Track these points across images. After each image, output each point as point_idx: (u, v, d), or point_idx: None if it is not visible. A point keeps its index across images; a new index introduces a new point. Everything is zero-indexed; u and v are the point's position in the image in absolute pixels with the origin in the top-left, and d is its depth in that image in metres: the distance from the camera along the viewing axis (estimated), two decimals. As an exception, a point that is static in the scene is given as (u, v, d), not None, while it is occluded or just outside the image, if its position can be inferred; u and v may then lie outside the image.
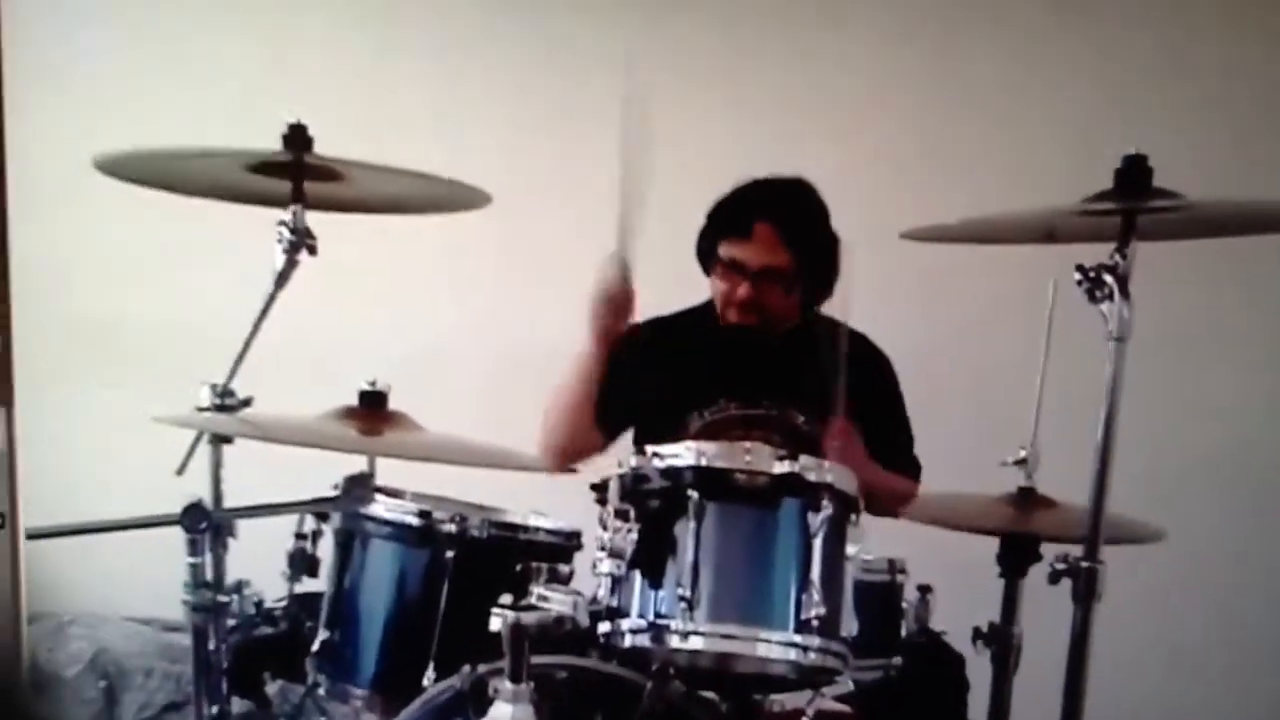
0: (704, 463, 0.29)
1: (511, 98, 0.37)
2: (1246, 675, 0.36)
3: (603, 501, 0.30)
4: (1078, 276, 0.29)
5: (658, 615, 0.31)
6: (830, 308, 0.30)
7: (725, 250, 0.30)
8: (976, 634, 0.30)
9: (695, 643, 0.30)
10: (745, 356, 0.30)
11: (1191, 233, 0.28)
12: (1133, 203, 0.27)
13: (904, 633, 0.31)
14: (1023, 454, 0.29)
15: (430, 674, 0.31)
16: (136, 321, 0.29)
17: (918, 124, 0.33)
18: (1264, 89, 0.35)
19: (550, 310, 0.31)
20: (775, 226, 0.30)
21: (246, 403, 0.30)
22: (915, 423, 0.31)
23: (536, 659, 0.30)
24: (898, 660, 0.31)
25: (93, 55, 0.34)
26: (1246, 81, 0.34)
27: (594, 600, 0.31)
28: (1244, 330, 0.35)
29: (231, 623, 0.31)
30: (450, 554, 0.31)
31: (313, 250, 0.30)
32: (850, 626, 0.31)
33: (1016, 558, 0.30)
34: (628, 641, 0.30)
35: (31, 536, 0.29)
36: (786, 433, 0.30)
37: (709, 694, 0.31)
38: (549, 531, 0.32)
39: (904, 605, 0.31)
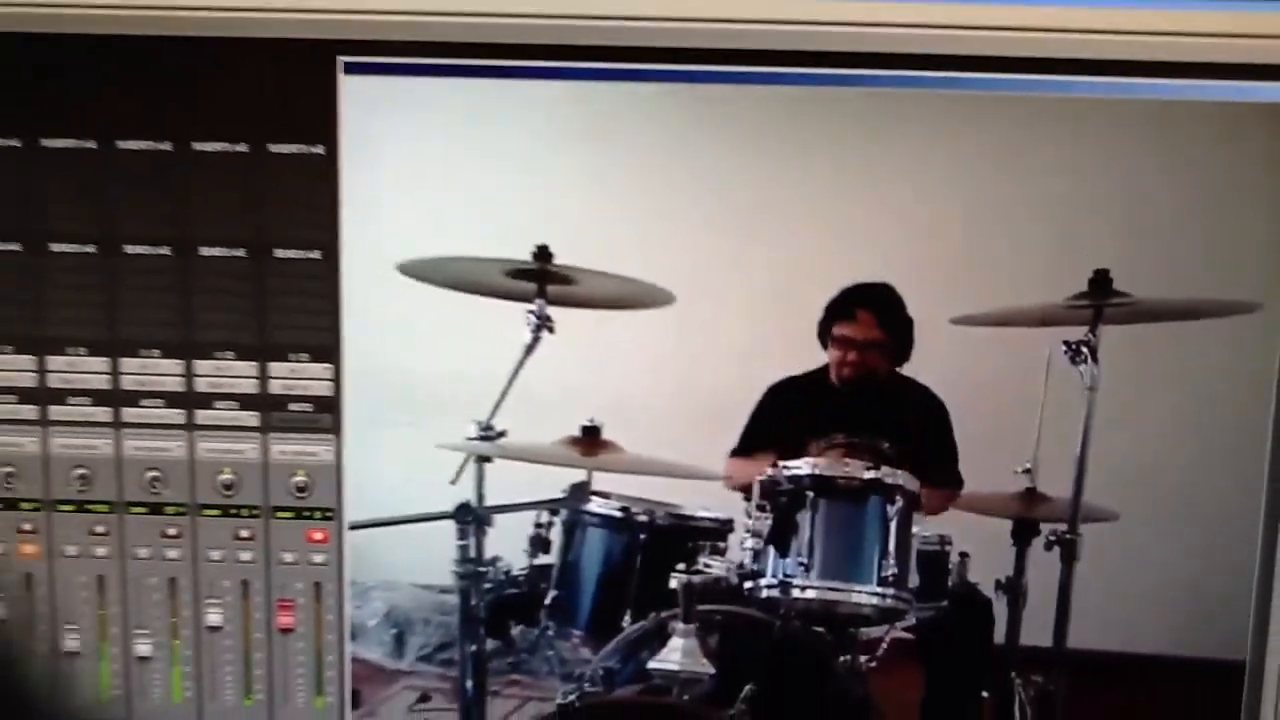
0: (817, 472, 0.42)
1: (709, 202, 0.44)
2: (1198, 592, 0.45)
3: (748, 499, 0.43)
4: (1063, 348, 0.42)
5: (785, 575, 0.44)
6: (906, 369, 0.41)
7: (837, 330, 0.42)
8: (998, 584, 0.43)
9: (810, 594, 0.43)
10: (851, 406, 0.41)
11: (1141, 319, 0.40)
12: (1098, 301, 0.40)
13: (949, 584, 0.44)
14: (1028, 466, 0.42)
15: (627, 619, 0.44)
16: (426, 376, 0.40)
17: (954, 236, 0.42)
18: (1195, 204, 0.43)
19: (717, 373, 0.41)
20: (872, 312, 0.41)
21: (502, 434, 0.43)
22: (960, 445, 0.42)
23: (701, 607, 0.44)
24: (945, 603, 0.44)
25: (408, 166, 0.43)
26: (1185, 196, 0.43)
27: (741, 566, 0.44)
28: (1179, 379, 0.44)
29: (487, 586, 0.44)
30: (643, 536, 0.44)
31: (551, 330, 0.42)
32: (913, 581, 0.44)
33: (1024, 533, 0.43)
34: (764, 594, 0.43)
35: (352, 528, 0.42)
36: (874, 453, 0.42)
37: (819, 629, 0.44)
38: (711, 519, 0.44)
39: (949, 566, 0.44)
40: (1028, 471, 0.41)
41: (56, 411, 0.41)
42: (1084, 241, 0.39)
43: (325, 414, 0.41)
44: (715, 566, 0.43)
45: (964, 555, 0.42)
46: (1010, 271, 0.40)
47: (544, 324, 0.40)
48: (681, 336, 0.40)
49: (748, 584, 0.43)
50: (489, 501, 0.42)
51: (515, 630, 0.43)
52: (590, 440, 0.41)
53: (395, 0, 0.39)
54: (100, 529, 0.42)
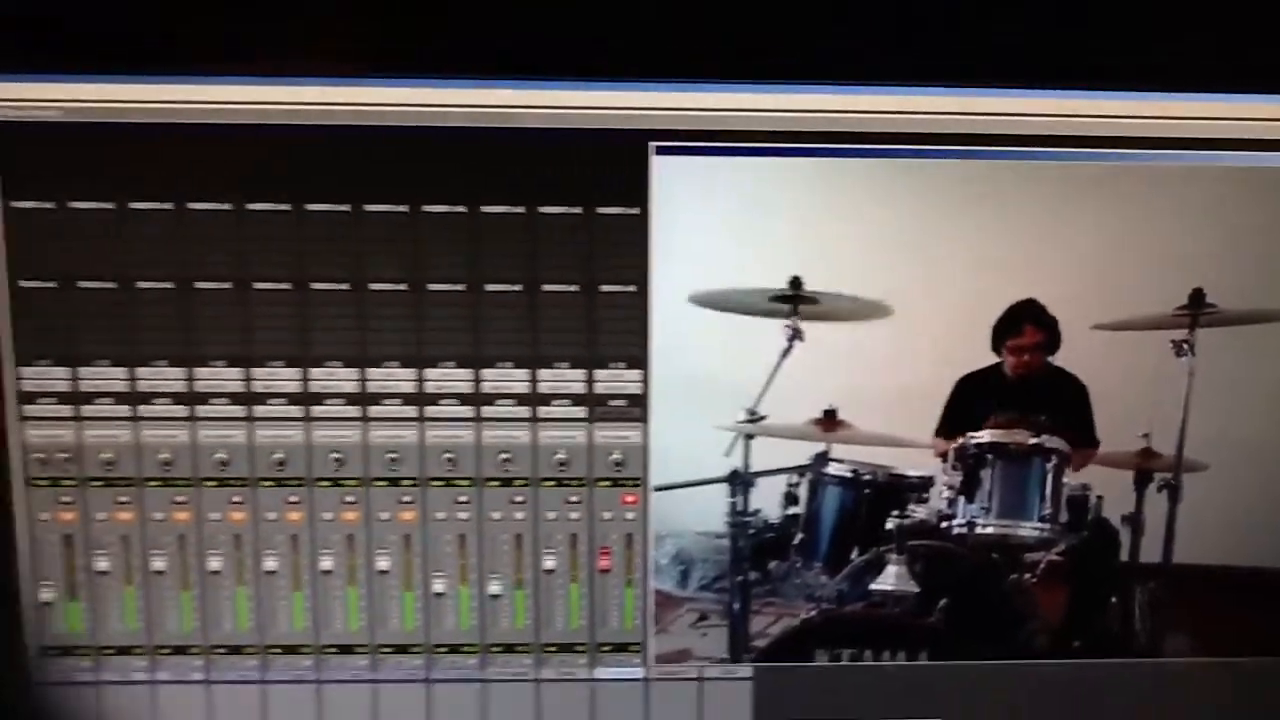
0: (995, 440, 0.56)
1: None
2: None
3: (945, 462, 0.57)
4: (1170, 345, 0.56)
5: (971, 517, 0.57)
6: (1056, 360, 0.54)
7: (1010, 342, 0.55)
8: (1123, 518, 0.57)
9: (989, 530, 0.57)
10: (1018, 391, 0.54)
11: (1228, 324, 0.55)
12: (1195, 312, 0.55)
13: (1088, 519, 0.58)
14: (1145, 432, 0.57)
15: (854, 553, 0.58)
16: (709, 376, 0.52)
17: (1089, 264, 0.53)
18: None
19: (922, 369, 0.53)
20: (1031, 323, 0.55)
21: (763, 417, 0.56)
22: (1096, 416, 0.55)
23: (909, 543, 0.57)
24: (1085, 533, 0.58)
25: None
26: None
27: (939, 512, 0.58)
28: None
29: (750, 532, 0.58)
30: (867, 491, 0.58)
31: (801, 339, 0.56)
32: (1063, 517, 0.58)
33: (1142, 481, 0.57)
34: (955, 531, 0.57)
35: (656, 489, 0.55)
36: (1035, 425, 0.56)
37: (995, 555, 0.58)
38: (917, 478, 0.58)
39: (1089, 506, 0.58)
40: (1145, 436, 0.56)
41: (432, 411, 0.53)
42: (1186, 263, 0.54)
43: (636, 408, 0.53)
44: (920, 512, 0.57)
45: (1099, 498, 0.56)
46: (1131, 289, 0.54)
47: (796, 335, 0.53)
48: (897, 341, 0.54)
49: (944, 524, 0.56)
50: (753, 468, 0.55)
51: (771, 565, 0.57)
52: (829, 421, 0.54)
53: (694, 100, 0.52)
54: (463, 499, 0.54)
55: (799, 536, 0.55)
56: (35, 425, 0.52)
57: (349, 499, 0.53)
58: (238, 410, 0.52)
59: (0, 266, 0.50)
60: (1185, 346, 0.54)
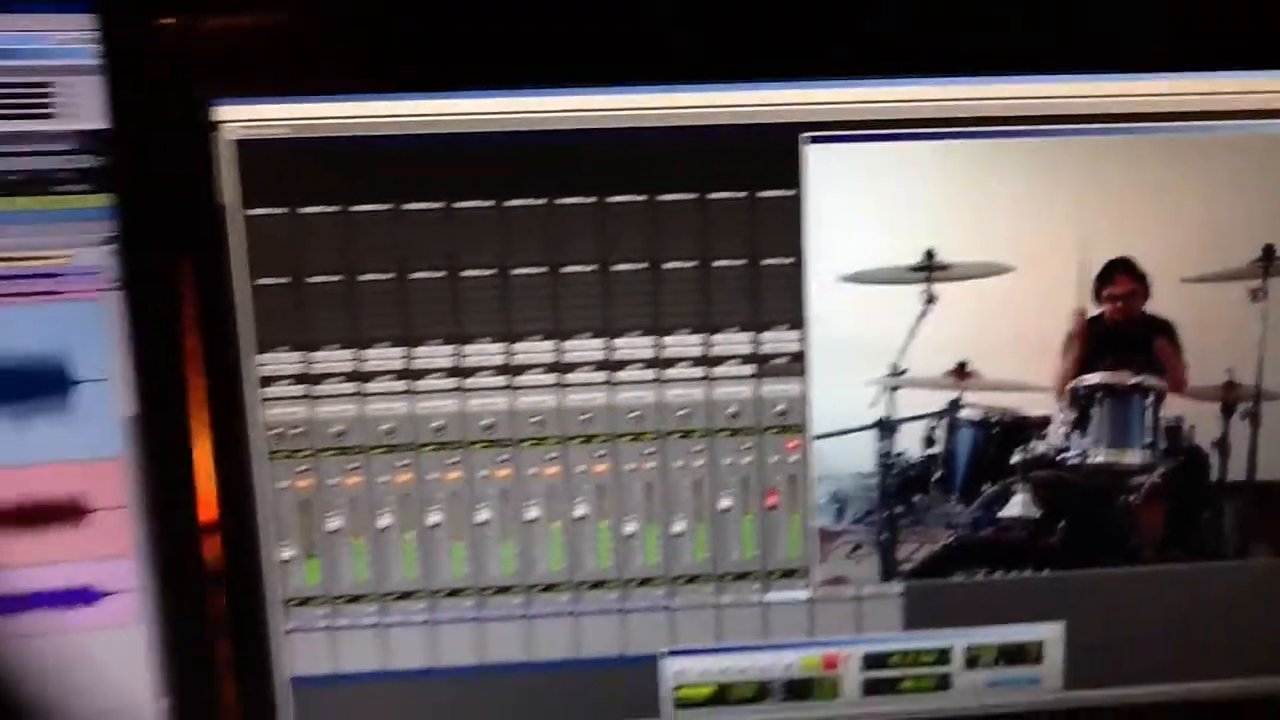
0: (1103, 381, 0.64)
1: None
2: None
3: (1060, 401, 0.65)
4: (1248, 293, 0.65)
5: (1084, 449, 0.66)
6: (1149, 309, 0.62)
7: (1105, 291, 0.63)
8: (1213, 444, 0.66)
9: (1099, 459, 0.65)
10: (1119, 336, 0.62)
11: None
12: (1266, 264, 0.63)
13: (1182, 446, 0.66)
14: (1229, 367, 0.65)
15: (985, 486, 0.66)
16: (862, 336, 0.59)
17: (1179, 222, 0.60)
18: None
19: (1040, 321, 0.62)
20: (1126, 275, 0.63)
21: (905, 371, 0.64)
22: (1187, 355, 0.63)
23: (1032, 474, 0.66)
24: (1181, 458, 0.67)
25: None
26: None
27: (1056, 447, 0.66)
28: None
29: (895, 471, 0.66)
30: (995, 430, 0.66)
31: (934, 302, 0.64)
32: (1161, 445, 0.67)
33: (1228, 411, 0.66)
34: (1070, 463, 0.65)
35: (815, 438, 0.63)
36: (1136, 366, 0.64)
37: (1105, 480, 0.66)
38: (1038, 417, 0.66)
39: (1183, 434, 0.67)
40: (1228, 371, 0.64)
41: (620, 375, 0.61)
42: (1258, 222, 0.62)
43: (796, 364, 0.61)
44: (1040, 447, 0.65)
45: (1192, 427, 0.65)
46: (1213, 246, 0.62)
47: (930, 299, 0.61)
48: (1015, 300, 0.62)
49: (1060, 456, 0.64)
50: (897, 416, 0.63)
51: (915, 499, 0.65)
52: (960, 372, 0.62)
53: (835, 96, 0.60)
54: (649, 450, 0.62)
55: (937, 473, 0.63)
56: (273, 405, 0.59)
57: (550, 455, 0.60)
58: (450, 383, 0.60)
59: (242, 267, 0.57)
60: (1260, 293, 0.62)
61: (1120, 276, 0.62)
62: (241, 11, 0.55)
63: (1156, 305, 0.62)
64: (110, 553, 0.57)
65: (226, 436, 0.58)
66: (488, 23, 0.56)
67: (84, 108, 0.54)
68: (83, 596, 0.57)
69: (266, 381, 0.59)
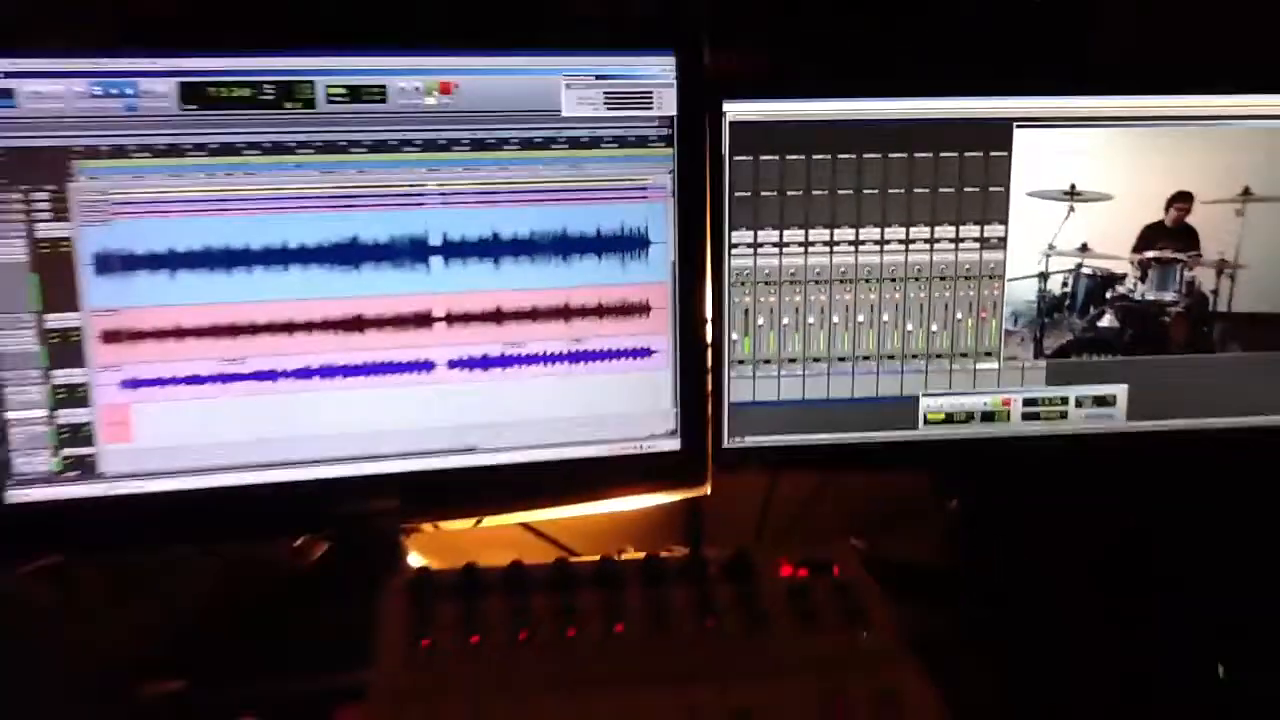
0: (1156, 256, 1.19)
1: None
2: None
3: (1133, 266, 1.21)
4: (1234, 212, 1.19)
5: (1144, 292, 1.21)
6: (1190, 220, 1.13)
7: (1171, 207, 1.14)
8: (1210, 291, 1.22)
9: (1151, 297, 1.20)
10: (1172, 231, 1.14)
11: (1261, 200, 1.16)
12: (1245, 199, 1.17)
13: (1195, 290, 1.23)
14: (1221, 250, 1.20)
15: (1091, 309, 1.22)
16: (1031, 228, 1.15)
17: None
18: None
19: (1130, 223, 1.17)
20: (1183, 199, 1.14)
21: (1054, 248, 1.19)
22: None
23: (1116, 303, 1.22)
24: (1195, 298, 1.23)
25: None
26: None
27: (1130, 290, 1.22)
28: None
29: (1045, 300, 1.22)
30: (1098, 280, 1.21)
31: (1074, 211, 1.19)
32: (1184, 290, 1.23)
33: (1219, 273, 1.21)
34: (1135, 298, 1.20)
35: (1009, 280, 1.18)
36: (1176, 248, 1.16)
37: (1155, 307, 1.22)
38: (1121, 273, 1.22)
39: (1196, 285, 1.23)
40: (1220, 252, 1.19)
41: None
42: (1237, 171, 1.17)
43: (1001, 242, 1.16)
44: (1121, 289, 1.20)
45: (1201, 281, 1.21)
46: (1216, 184, 1.17)
47: (1072, 209, 1.16)
48: (1117, 211, 1.16)
49: (1131, 294, 1.20)
50: (1050, 271, 1.19)
51: (1054, 315, 1.21)
52: (1083, 249, 1.17)
53: (1029, 102, 1.13)
54: (922, 287, 1.17)
55: (1067, 302, 1.19)
56: (736, 258, 1.14)
57: (871, 287, 1.16)
58: (820, 248, 1.14)
59: (727, 186, 1.11)
60: (1239, 212, 1.18)
61: (1176, 200, 1.17)
62: (736, 54, 1.09)
63: (1190, 216, 1.18)
64: (658, 331, 1.12)
65: (715, 273, 1.13)
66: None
67: (665, 103, 1.07)
68: (644, 353, 1.12)
69: (734, 245, 1.13)
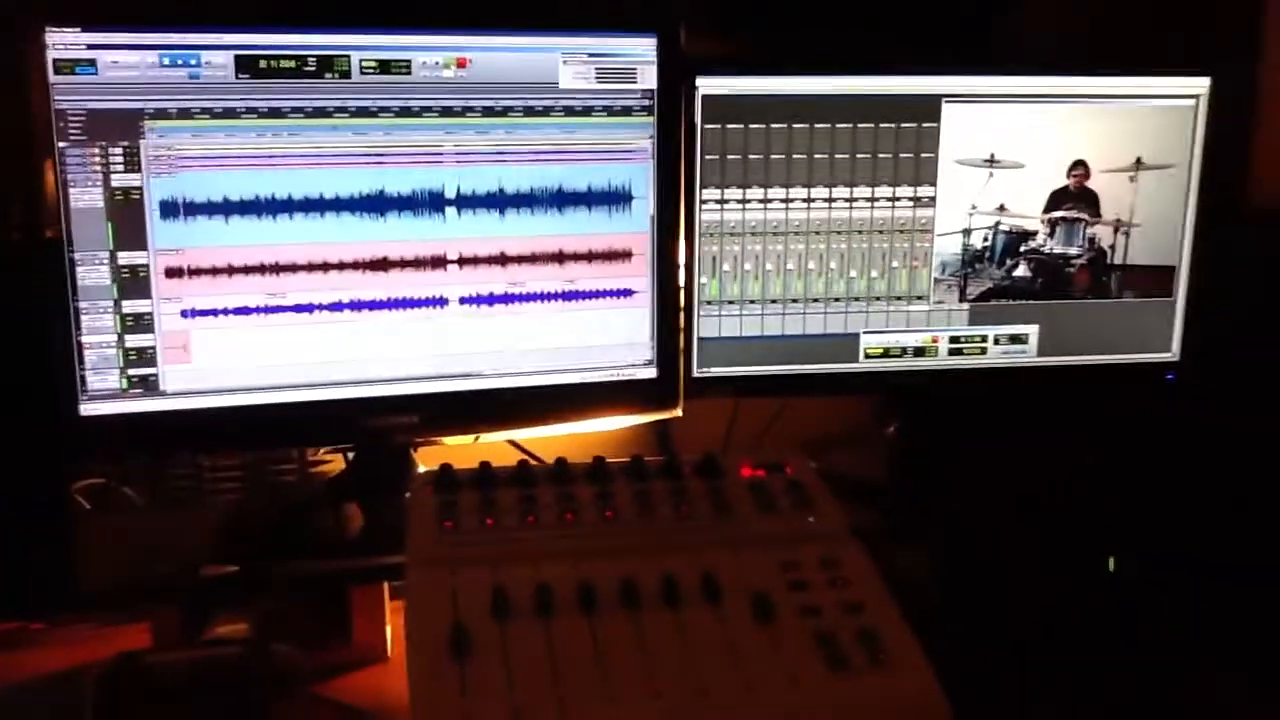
0: (1063, 215, 1.40)
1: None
2: None
3: (1044, 224, 1.40)
4: (1127, 179, 1.39)
5: (1052, 246, 1.41)
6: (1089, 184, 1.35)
7: (1071, 174, 1.35)
8: (1109, 246, 1.42)
9: (1058, 250, 1.41)
10: (1074, 194, 1.33)
11: (1145, 169, 1.36)
12: (1139, 167, 1.38)
13: (1095, 244, 1.43)
14: (1117, 211, 1.40)
15: (1008, 260, 1.42)
16: (958, 190, 1.33)
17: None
18: None
19: (1040, 188, 1.36)
20: (1081, 167, 1.36)
21: (976, 207, 1.38)
22: None
23: (1028, 256, 1.41)
24: (1094, 251, 1.43)
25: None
26: None
27: (1040, 244, 1.41)
28: None
29: (969, 253, 1.41)
30: (1012, 233, 1.41)
31: (993, 177, 1.38)
32: (1087, 244, 1.43)
33: (1115, 231, 1.41)
34: (1045, 251, 1.40)
35: (938, 235, 1.37)
36: (1080, 208, 1.37)
37: (1061, 259, 1.42)
38: (1033, 230, 1.41)
39: (1096, 240, 1.43)
40: (1116, 214, 1.39)
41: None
42: (1131, 141, 1.37)
43: (931, 201, 1.35)
44: (1032, 244, 1.40)
45: (1099, 237, 1.40)
46: (1105, 158, 1.36)
47: (991, 175, 1.35)
48: (1028, 177, 1.36)
49: (1041, 248, 1.40)
50: (973, 228, 1.38)
51: (976, 265, 1.41)
52: (1001, 209, 1.37)
53: (953, 80, 1.32)
54: (864, 240, 1.35)
55: (988, 255, 1.38)
56: (705, 212, 1.31)
57: (839, 244, 1.34)
58: (777, 206, 1.33)
59: (699, 149, 1.29)
60: (1133, 179, 1.38)
61: (1077, 168, 1.37)
62: (705, 41, 1.26)
63: (1090, 182, 1.38)
64: (639, 274, 1.30)
65: (688, 225, 1.31)
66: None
67: (647, 78, 1.24)
68: (626, 294, 1.30)
69: (704, 202, 1.31)
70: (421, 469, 1.23)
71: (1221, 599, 1.13)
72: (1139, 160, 1.37)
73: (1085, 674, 1.06)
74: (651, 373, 1.26)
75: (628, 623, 0.88)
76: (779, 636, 0.88)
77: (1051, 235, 1.37)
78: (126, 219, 1.08)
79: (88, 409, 1.10)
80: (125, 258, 1.08)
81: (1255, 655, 1.08)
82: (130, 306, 1.11)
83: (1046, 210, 1.28)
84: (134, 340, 1.11)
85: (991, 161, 1.34)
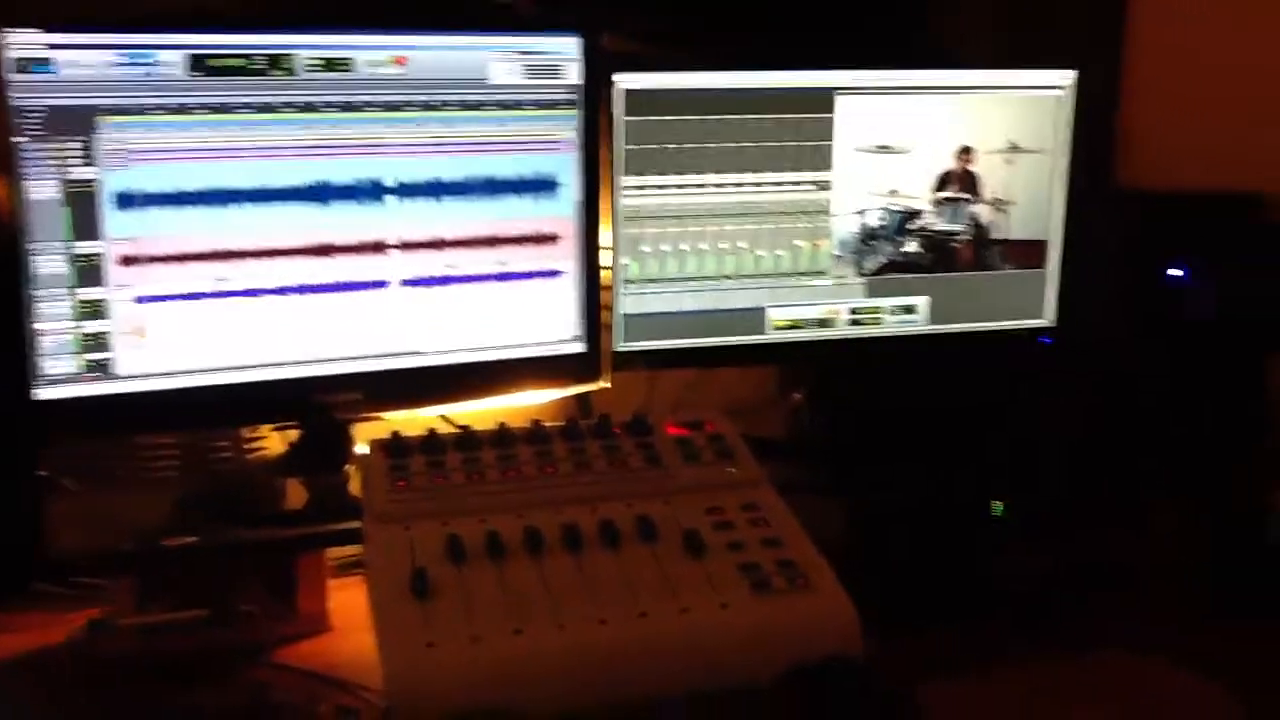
0: (948, 195, 1.54)
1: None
2: None
3: (932, 204, 1.55)
4: (1002, 160, 1.54)
5: (938, 225, 1.56)
6: (970, 166, 1.49)
7: (956, 157, 1.48)
8: (988, 221, 1.58)
9: (941, 227, 1.56)
10: (959, 176, 1.49)
11: (1018, 153, 1.52)
12: (1015, 151, 1.53)
13: (978, 222, 1.58)
14: (995, 190, 1.55)
15: (900, 238, 1.55)
16: (855, 174, 1.46)
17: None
18: None
19: (927, 172, 1.51)
20: (966, 151, 1.51)
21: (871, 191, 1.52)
22: None
23: (918, 233, 1.56)
24: (976, 228, 1.59)
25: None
26: None
27: (929, 224, 1.56)
28: None
29: (864, 230, 1.55)
30: (904, 215, 1.55)
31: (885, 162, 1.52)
32: (970, 222, 1.58)
33: (994, 209, 1.57)
34: (930, 229, 1.56)
35: (833, 217, 1.50)
36: (962, 188, 1.52)
37: (945, 236, 1.57)
38: (921, 210, 1.56)
39: (979, 218, 1.58)
40: (994, 192, 1.54)
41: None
42: (997, 130, 1.52)
43: (828, 184, 1.48)
44: (921, 222, 1.54)
45: (980, 215, 1.55)
46: (985, 141, 1.52)
47: (882, 162, 1.48)
48: (917, 162, 1.50)
49: (929, 227, 1.54)
50: (868, 208, 1.51)
51: (871, 241, 1.54)
52: (892, 192, 1.51)
53: (851, 75, 1.45)
54: (770, 221, 1.47)
55: (882, 233, 1.52)
56: (627, 199, 1.42)
57: (746, 226, 1.46)
58: (697, 190, 1.44)
59: (622, 140, 1.39)
60: (1010, 160, 1.53)
61: (962, 152, 1.51)
62: (629, 40, 1.36)
63: (973, 165, 1.52)
64: (566, 256, 1.40)
65: (611, 210, 1.41)
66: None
67: (572, 74, 1.34)
68: (555, 274, 1.39)
69: (625, 189, 1.42)
70: (358, 448, 1.32)
71: (1089, 533, 1.29)
72: (1014, 145, 1.52)
73: (974, 602, 1.19)
74: (579, 347, 1.37)
75: (572, 561, 0.99)
76: (709, 568, 1.00)
77: (938, 214, 1.51)
78: (82, 210, 1.14)
79: (43, 393, 1.16)
80: (81, 247, 1.14)
81: (1120, 579, 1.23)
82: (85, 294, 1.16)
83: (934, 192, 1.42)
84: (89, 326, 1.16)
85: (883, 148, 1.48)
